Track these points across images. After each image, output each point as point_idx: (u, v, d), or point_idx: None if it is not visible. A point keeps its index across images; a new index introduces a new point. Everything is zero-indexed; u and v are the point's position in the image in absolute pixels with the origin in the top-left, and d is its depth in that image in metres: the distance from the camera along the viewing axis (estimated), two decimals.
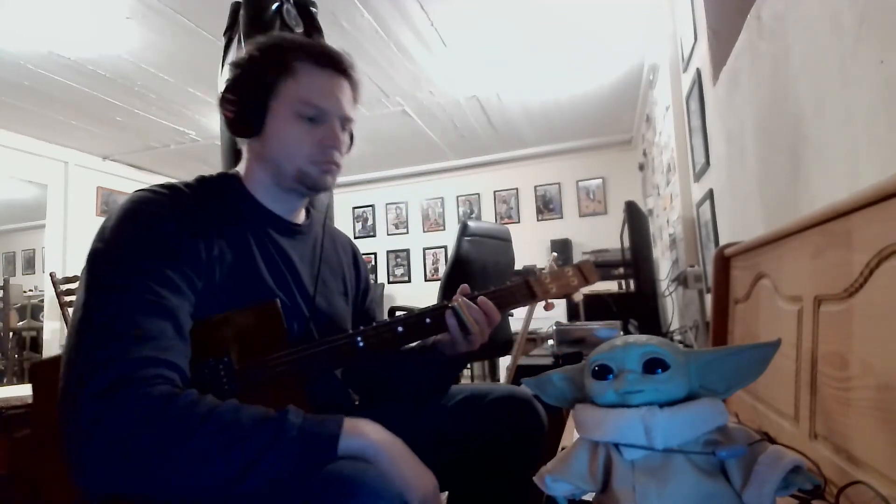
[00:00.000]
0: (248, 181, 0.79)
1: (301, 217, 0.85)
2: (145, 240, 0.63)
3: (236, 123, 0.75)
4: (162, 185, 0.70)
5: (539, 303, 0.87)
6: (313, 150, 0.75)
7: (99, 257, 0.61)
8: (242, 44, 1.51)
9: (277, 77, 0.73)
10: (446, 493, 0.90)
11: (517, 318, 2.38)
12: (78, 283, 0.61)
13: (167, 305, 0.60)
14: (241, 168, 0.81)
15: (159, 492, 0.53)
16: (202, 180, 0.76)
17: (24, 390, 1.26)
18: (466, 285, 0.83)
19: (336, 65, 0.76)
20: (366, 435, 0.58)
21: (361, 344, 0.73)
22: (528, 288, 0.85)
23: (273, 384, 0.66)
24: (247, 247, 0.74)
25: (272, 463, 0.53)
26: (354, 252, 0.99)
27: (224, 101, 0.75)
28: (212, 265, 0.68)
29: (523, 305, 0.89)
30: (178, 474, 0.52)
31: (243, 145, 0.80)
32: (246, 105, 0.74)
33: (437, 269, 5.91)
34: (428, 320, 0.77)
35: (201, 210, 0.70)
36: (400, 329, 0.76)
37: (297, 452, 0.54)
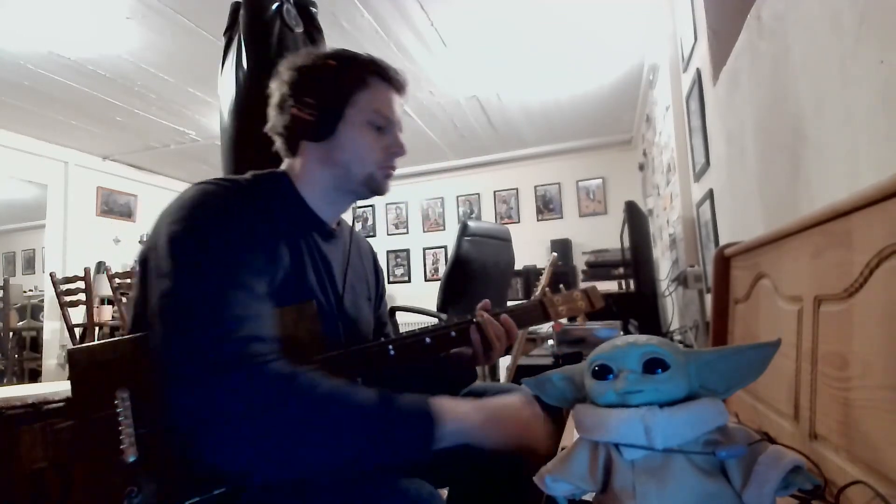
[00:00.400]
0: (301, 182, 0.81)
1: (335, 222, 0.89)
2: (227, 230, 0.65)
3: (311, 126, 0.77)
4: (224, 180, 0.72)
5: (549, 322, 0.97)
6: (381, 156, 0.80)
7: (183, 244, 0.63)
8: (243, 44, 1.51)
9: (355, 88, 0.78)
10: (446, 489, 0.91)
11: None
12: (150, 269, 0.63)
13: (257, 290, 0.64)
14: (292, 168, 0.82)
15: (275, 467, 0.55)
16: (257, 178, 0.78)
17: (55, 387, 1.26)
18: (488, 301, 0.88)
19: (398, 83, 0.83)
20: (466, 418, 0.63)
21: (392, 352, 0.76)
22: (542, 308, 0.95)
23: None
24: (299, 251, 0.76)
25: (389, 445, 0.58)
26: (374, 258, 1.03)
27: (301, 104, 0.77)
28: (274, 264, 0.71)
29: (537, 324, 0.97)
30: (305, 450, 0.56)
31: (297, 151, 0.82)
32: (324, 110, 0.77)
33: (437, 269, 5.91)
34: (453, 333, 0.82)
35: (262, 208, 0.73)
36: (427, 340, 0.79)
37: (406, 437, 0.60)
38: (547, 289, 1.00)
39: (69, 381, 0.60)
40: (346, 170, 0.79)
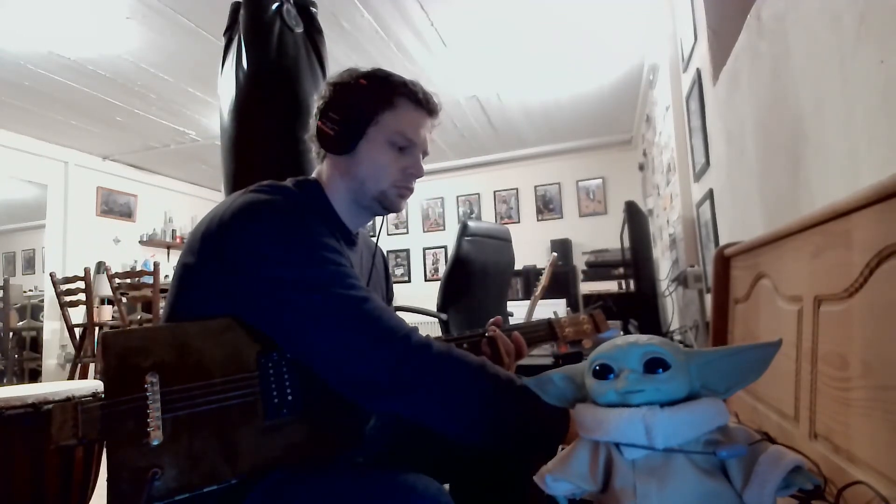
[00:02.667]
0: (328, 190, 0.84)
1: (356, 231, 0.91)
2: (317, 231, 0.72)
3: (332, 140, 0.80)
4: (277, 187, 0.76)
5: (553, 341, 0.99)
6: (397, 176, 0.82)
7: (298, 250, 0.68)
8: (243, 44, 1.51)
9: (380, 108, 0.80)
10: (447, 485, 0.91)
11: (517, 318, 2.38)
12: (248, 279, 0.67)
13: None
14: (321, 176, 0.85)
15: (431, 416, 0.66)
16: (297, 184, 0.81)
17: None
18: (500, 317, 0.91)
19: (429, 106, 0.84)
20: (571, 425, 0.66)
21: None
22: (550, 329, 0.98)
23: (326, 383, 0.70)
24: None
25: (530, 425, 0.66)
26: (385, 261, 1.04)
27: (325, 119, 0.80)
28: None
29: (545, 343, 1.01)
30: (460, 407, 0.66)
31: (324, 159, 0.85)
32: (346, 126, 0.80)
33: (437, 269, 5.91)
34: (465, 345, 0.84)
35: (314, 213, 0.77)
36: None
37: (546, 423, 0.66)
38: (555, 312, 1.01)
39: (102, 364, 0.63)
40: (361, 185, 0.82)
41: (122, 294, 3.33)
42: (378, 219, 0.91)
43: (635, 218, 1.91)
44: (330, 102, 0.81)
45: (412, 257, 6.06)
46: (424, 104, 0.83)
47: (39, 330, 4.83)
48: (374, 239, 0.97)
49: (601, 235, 5.07)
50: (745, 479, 0.43)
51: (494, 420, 0.66)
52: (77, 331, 3.45)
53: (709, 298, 1.25)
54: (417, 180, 0.87)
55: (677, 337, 2.27)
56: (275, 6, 1.53)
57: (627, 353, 0.47)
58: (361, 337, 0.66)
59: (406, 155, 0.82)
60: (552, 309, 1.03)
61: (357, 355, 0.65)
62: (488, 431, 0.66)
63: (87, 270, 3.32)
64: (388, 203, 0.83)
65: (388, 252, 6.07)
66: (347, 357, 0.65)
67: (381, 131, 0.80)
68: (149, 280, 3.34)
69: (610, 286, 4.11)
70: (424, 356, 0.67)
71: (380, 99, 0.80)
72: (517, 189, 5.73)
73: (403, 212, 6.11)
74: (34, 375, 4.89)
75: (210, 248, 0.69)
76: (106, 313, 4.09)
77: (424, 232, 6.07)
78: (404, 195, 0.84)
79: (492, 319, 0.90)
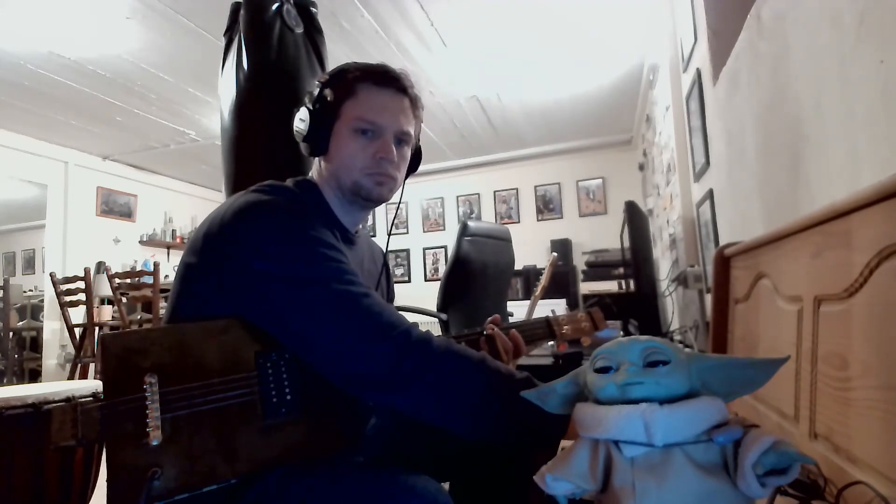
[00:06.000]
0: (322, 191, 0.85)
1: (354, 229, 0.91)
2: (319, 230, 0.73)
3: (307, 144, 0.82)
4: (276, 189, 0.76)
5: (552, 341, 0.99)
6: (367, 163, 0.80)
7: (303, 247, 0.69)
8: (243, 44, 1.51)
9: (342, 100, 0.80)
10: (446, 485, 0.91)
11: (517, 318, 2.37)
12: (254, 277, 0.67)
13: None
14: (314, 179, 0.86)
15: (432, 410, 0.66)
16: (297, 185, 0.82)
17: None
18: (498, 316, 0.91)
19: (394, 83, 0.82)
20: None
21: None
22: (549, 327, 0.98)
23: (325, 383, 0.70)
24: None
25: (525, 418, 0.65)
26: (385, 261, 1.05)
27: (298, 125, 0.82)
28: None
29: (543, 342, 1.00)
30: (458, 398, 0.66)
31: (315, 162, 0.87)
32: (315, 127, 0.81)
33: (437, 269, 5.91)
34: (463, 343, 0.83)
35: (315, 213, 0.78)
36: None
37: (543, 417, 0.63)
38: (552, 310, 1.01)
39: (101, 365, 0.63)
40: (338, 179, 0.81)
41: (122, 294, 3.33)
42: (379, 220, 0.92)
43: (635, 218, 1.91)
44: (304, 111, 0.82)
45: (412, 257, 6.06)
46: (387, 82, 0.81)
47: (39, 330, 4.83)
48: (376, 239, 0.98)
49: (601, 235, 5.07)
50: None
51: (495, 414, 0.66)
52: (77, 331, 3.45)
53: (709, 298, 1.25)
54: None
55: (677, 337, 2.27)
56: (275, 6, 1.53)
57: (629, 348, 0.48)
58: (362, 331, 0.66)
59: (374, 140, 0.80)
60: (552, 309, 1.03)
61: (357, 350, 0.65)
62: (488, 426, 0.66)
63: (87, 270, 3.32)
64: (365, 192, 0.81)
65: (388, 252, 6.06)
66: (347, 351, 0.65)
67: (344, 122, 0.80)
68: (149, 280, 3.34)
69: (610, 286, 4.11)
70: (425, 350, 0.67)
71: (340, 92, 0.80)
72: (517, 189, 5.73)
73: (403, 211, 6.12)
74: (34, 375, 4.89)
75: (212, 247, 0.70)
76: (106, 313, 4.09)
77: (424, 232, 6.07)
78: (382, 182, 0.82)
79: (490, 318, 0.90)
